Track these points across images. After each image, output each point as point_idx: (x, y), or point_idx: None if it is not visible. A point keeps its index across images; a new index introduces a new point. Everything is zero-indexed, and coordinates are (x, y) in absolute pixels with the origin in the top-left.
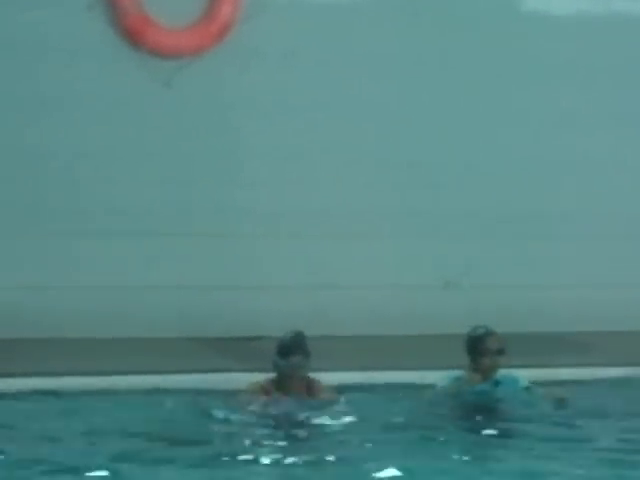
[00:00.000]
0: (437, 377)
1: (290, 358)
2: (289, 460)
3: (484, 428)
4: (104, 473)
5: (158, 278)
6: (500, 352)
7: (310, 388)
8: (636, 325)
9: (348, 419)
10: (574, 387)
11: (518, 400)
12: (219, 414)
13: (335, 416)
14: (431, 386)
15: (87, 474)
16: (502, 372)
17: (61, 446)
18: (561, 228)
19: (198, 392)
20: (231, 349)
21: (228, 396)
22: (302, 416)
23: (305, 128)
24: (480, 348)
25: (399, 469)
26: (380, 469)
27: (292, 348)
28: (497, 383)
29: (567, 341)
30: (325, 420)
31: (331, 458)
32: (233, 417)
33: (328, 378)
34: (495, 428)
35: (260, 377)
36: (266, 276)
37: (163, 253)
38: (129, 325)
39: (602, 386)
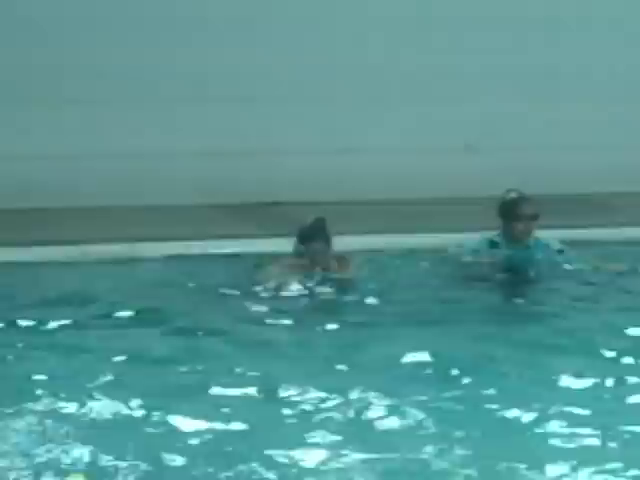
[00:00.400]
0: (465, 239)
1: (311, 244)
2: (315, 340)
3: (516, 295)
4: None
5: (173, 145)
6: (534, 217)
7: (337, 266)
8: None
9: (373, 290)
10: (599, 247)
11: (553, 263)
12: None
13: (359, 291)
14: (459, 246)
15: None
16: (534, 238)
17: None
18: (580, 87)
19: (222, 257)
20: (249, 215)
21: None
22: (327, 290)
23: None
24: (514, 213)
25: (427, 343)
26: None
27: (312, 235)
28: (529, 248)
29: (589, 202)
30: (349, 295)
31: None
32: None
33: (349, 242)
34: (526, 294)
35: (280, 243)
36: (283, 141)
37: (178, 119)
38: (145, 193)
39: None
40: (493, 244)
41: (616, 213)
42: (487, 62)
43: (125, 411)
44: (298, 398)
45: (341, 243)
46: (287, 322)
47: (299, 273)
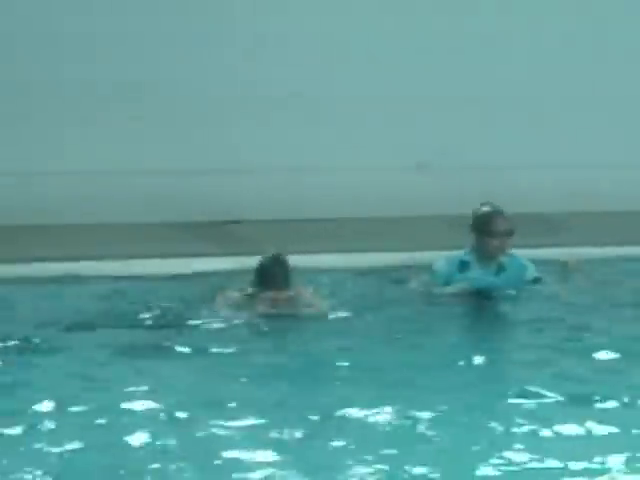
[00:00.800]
0: (434, 260)
1: (269, 291)
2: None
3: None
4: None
5: (135, 163)
6: (509, 233)
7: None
8: (614, 205)
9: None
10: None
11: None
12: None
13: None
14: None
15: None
16: (508, 255)
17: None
18: (536, 106)
19: (180, 277)
20: (210, 234)
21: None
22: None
23: (288, 10)
24: (488, 229)
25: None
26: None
27: (270, 282)
28: (502, 268)
29: (540, 221)
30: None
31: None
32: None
33: (310, 260)
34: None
35: (236, 261)
36: (245, 159)
37: (140, 137)
38: (106, 211)
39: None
40: (463, 265)
41: (572, 232)
42: (439, 82)
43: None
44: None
45: (296, 261)
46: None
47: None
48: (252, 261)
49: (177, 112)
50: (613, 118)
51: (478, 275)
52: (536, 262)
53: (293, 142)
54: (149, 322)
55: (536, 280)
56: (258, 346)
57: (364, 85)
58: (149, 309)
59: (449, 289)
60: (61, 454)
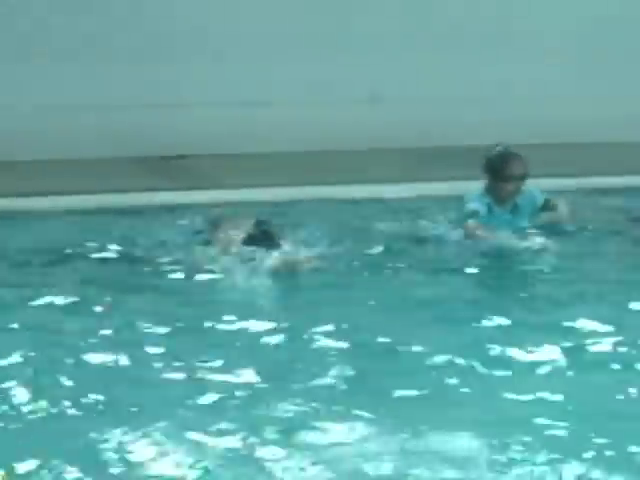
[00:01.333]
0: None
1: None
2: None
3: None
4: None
5: (79, 98)
6: (524, 177)
7: None
8: (561, 137)
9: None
10: None
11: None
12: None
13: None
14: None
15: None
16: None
17: None
18: (486, 38)
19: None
20: (156, 168)
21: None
22: None
23: None
24: (502, 173)
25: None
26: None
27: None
28: (516, 205)
29: None
30: None
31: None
32: None
33: (261, 194)
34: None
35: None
36: (189, 94)
37: (84, 73)
38: (55, 147)
39: None
40: (489, 207)
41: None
42: (391, 13)
43: None
44: None
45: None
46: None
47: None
48: (200, 195)
49: (121, 49)
50: (566, 48)
51: (497, 216)
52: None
53: (243, 77)
54: (105, 256)
55: (546, 203)
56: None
57: (313, 20)
58: (102, 243)
59: (479, 233)
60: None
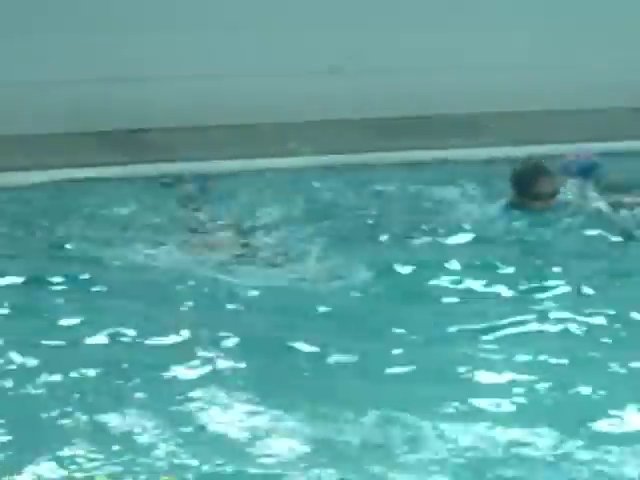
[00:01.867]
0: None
1: None
2: None
3: None
4: None
5: (42, 73)
6: (554, 195)
7: None
8: (521, 105)
9: None
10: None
11: None
12: None
13: None
14: None
15: None
16: None
17: None
18: (448, 7)
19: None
20: (118, 142)
21: None
22: None
23: None
24: (533, 192)
25: None
26: None
27: None
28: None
29: (455, 122)
30: None
31: None
32: None
33: (213, 166)
34: None
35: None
36: (149, 67)
37: (48, 47)
38: (16, 122)
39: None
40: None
41: (485, 133)
42: None
43: None
44: None
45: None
46: None
47: None
48: (165, 167)
49: (85, 20)
50: (527, 18)
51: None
52: (458, 163)
53: (202, 49)
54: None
55: None
56: None
57: None
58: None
59: None
60: None
